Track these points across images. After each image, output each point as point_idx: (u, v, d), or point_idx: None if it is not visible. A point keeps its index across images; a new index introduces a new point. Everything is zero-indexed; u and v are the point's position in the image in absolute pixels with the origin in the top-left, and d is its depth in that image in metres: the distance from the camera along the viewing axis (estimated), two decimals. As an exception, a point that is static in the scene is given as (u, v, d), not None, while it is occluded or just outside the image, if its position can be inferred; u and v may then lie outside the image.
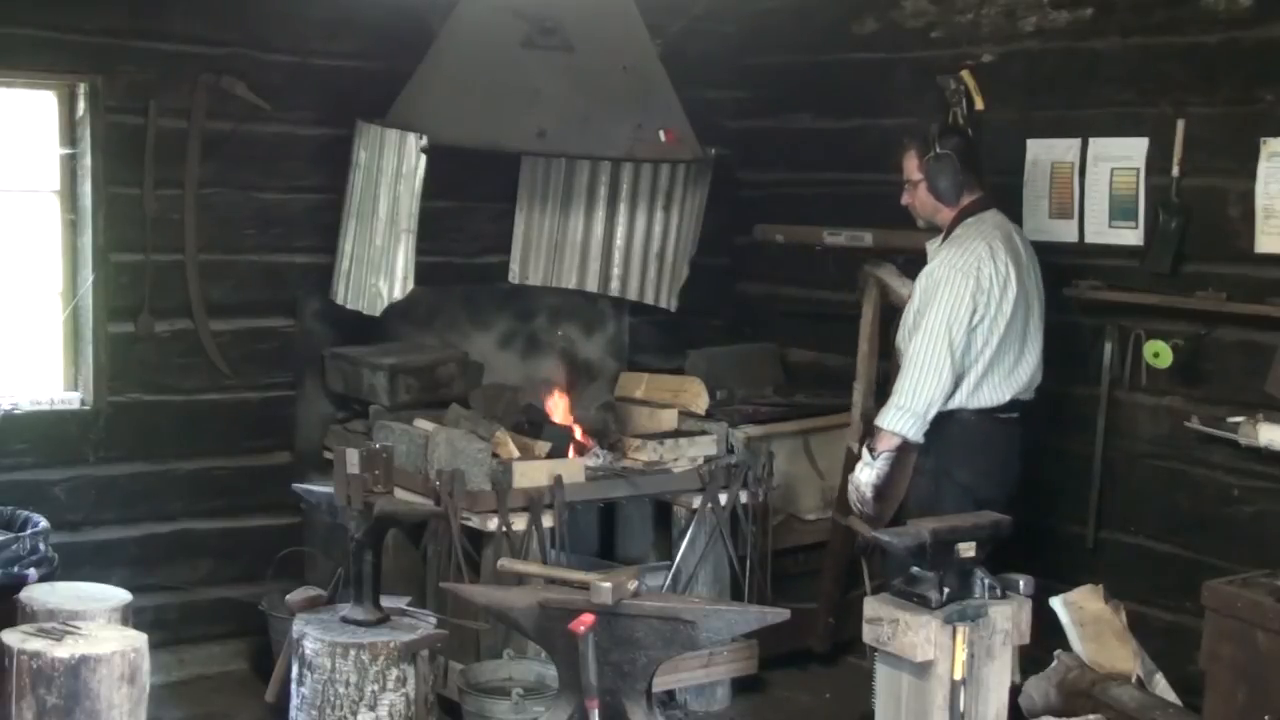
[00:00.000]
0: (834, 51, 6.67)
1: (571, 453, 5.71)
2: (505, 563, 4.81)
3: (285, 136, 6.00)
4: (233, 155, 5.89)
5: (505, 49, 5.67)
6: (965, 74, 6.00)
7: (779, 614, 4.27)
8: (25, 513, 5.23)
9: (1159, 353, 5.37)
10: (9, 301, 5.75)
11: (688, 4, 6.46)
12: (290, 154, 6.03)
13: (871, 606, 4.42)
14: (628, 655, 4.21)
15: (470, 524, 5.35)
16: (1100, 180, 5.61)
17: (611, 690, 4.20)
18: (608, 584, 4.19)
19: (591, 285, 6.56)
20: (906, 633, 4.28)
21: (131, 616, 5.00)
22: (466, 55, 5.69)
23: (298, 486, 5.24)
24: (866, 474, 5.20)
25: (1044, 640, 4.90)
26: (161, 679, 5.38)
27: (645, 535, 6.24)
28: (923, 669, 4.31)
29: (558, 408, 6.13)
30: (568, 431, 5.83)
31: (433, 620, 4.96)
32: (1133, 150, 5.50)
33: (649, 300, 6.65)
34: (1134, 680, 4.89)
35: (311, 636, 4.72)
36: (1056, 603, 5.01)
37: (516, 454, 5.50)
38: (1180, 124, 5.34)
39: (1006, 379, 5.23)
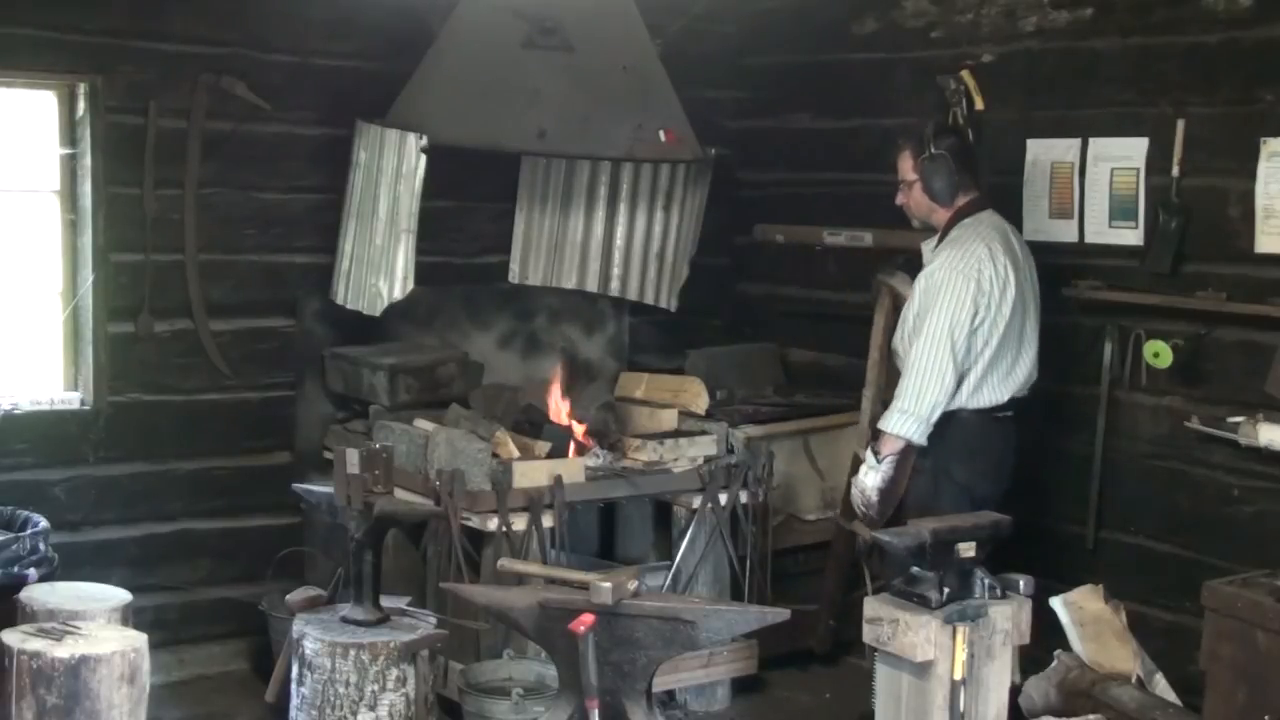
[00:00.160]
0: (834, 51, 6.68)
1: (571, 453, 5.71)
2: (505, 563, 4.81)
3: (285, 136, 6.00)
4: (233, 155, 5.89)
5: (505, 49, 5.67)
6: (965, 74, 6.00)
7: (779, 614, 4.27)
8: (25, 513, 5.23)
9: (1159, 353, 5.37)
10: (9, 301, 5.75)
11: (688, 4, 6.46)
12: (290, 154, 6.03)
13: (871, 606, 4.42)
14: (628, 655, 4.21)
15: (470, 524, 5.35)
16: (1100, 180, 5.62)
17: (611, 690, 4.20)
18: (608, 584, 4.19)
19: (591, 285, 6.56)
20: (906, 633, 4.28)
21: (131, 616, 5.00)
22: (466, 55, 5.69)
23: (298, 486, 5.24)
24: (872, 478, 5.20)
25: (1044, 640, 4.90)
26: (161, 679, 5.38)
27: (645, 535, 6.24)
28: (923, 669, 4.31)
29: (558, 407, 6.13)
30: (568, 431, 5.83)
31: (433, 620, 4.96)
32: (1133, 150, 5.50)
33: (649, 300, 6.65)
34: (1134, 680, 4.89)
35: (311, 636, 4.72)
36: (1056, 603, 5.01)
37: (516, 454, 5.50)
38: (1180, 124, 5.34)
39: (1005, 379, 5.23)
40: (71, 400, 5.74)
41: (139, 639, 4.57)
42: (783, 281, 6.94)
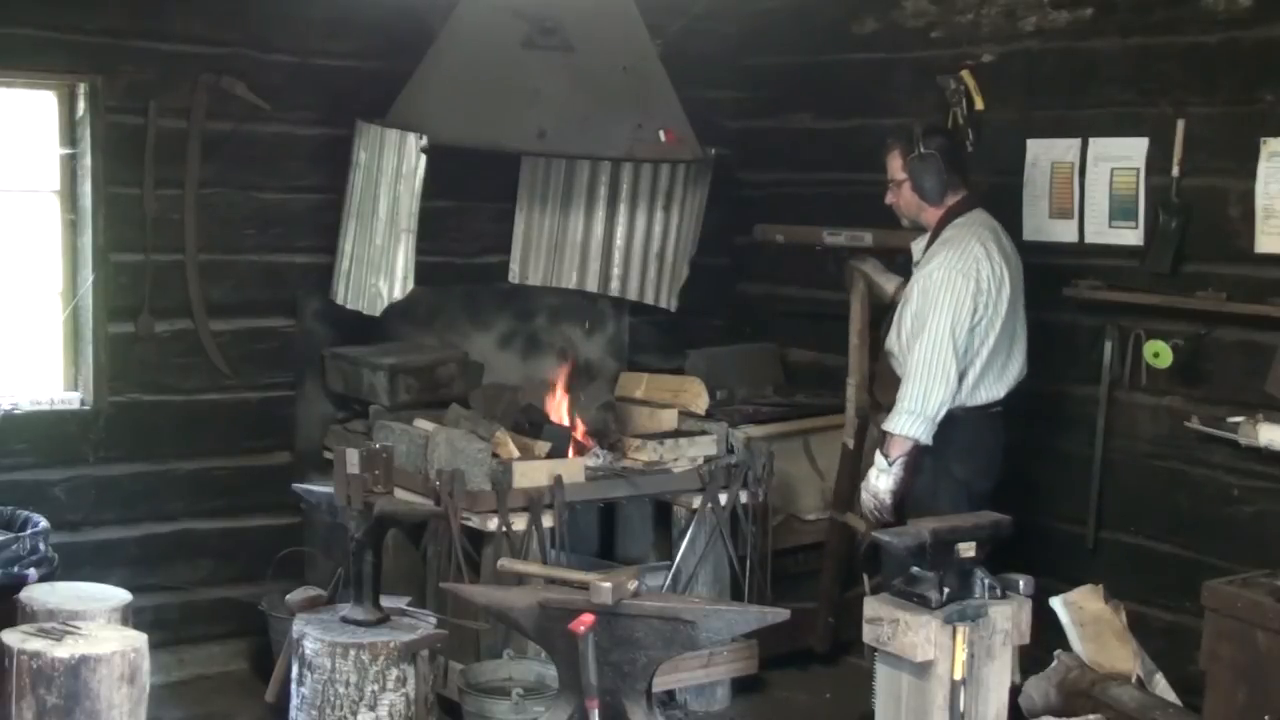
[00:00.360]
0: (834, 51, 6.68)
1: (571, 453, 5.71)
2: (505, 563, 4.81)
3: (285, 136, 6.00)
4: (233, 155, 5.89)
5: (505, 49, 5.67)
6: (965, 74, 6.00)
7: (779, 614, 4.27)
8: (25, 513, 5.23)
9: (1159, 353, 5.37)
10: (9, 301, 5.75)
11: (688, 4, 6.46)
12: (290, 154, 6.03)
13: (871, 606, 4.42)
14: (628, 655, 4.21)
15: (470, 524, 5.35)
16: (1100, 180, 5.62)
17: (611, 690, 4.20)
18: (608, 584, 4.19)
19: (591, 285, 6.57)
20: (906, 633, 4.28)
21: (131, 616, 5.00)
22: (466, 55, 5.69)
23: (298, 486, 5.24)
24: (884, 481, 5.19)
25: (1044, 640, 4.90)
26: (161, 679, 5.38)
27: (645, 535, 6.24)
28: (923, 669, 4.31)
29: (558, 406, 6.14)
30: (568, 431, 5.83)
31: (433, 620, 4.96)
32: (1133, 150, 5.50)
33: (649, 300, 6.65)
34: (1134, 680, 4.90)
35: (311, 636, 4.72)
36: (1056, 603, 5.01)
37: (516, 454, 5.50)
38: (1180, 124, 5.34)
39: (1000, 376, 5.27)
40: (71, 400, 5.74)
41: (139, 639, 4.57)
42: (783, 281, 6.94)
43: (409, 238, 5.57)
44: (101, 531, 5.74)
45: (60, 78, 5.62)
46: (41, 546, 5.04)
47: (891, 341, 5.35)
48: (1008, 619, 4.40)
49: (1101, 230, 5.63)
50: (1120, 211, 5.56)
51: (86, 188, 5.67)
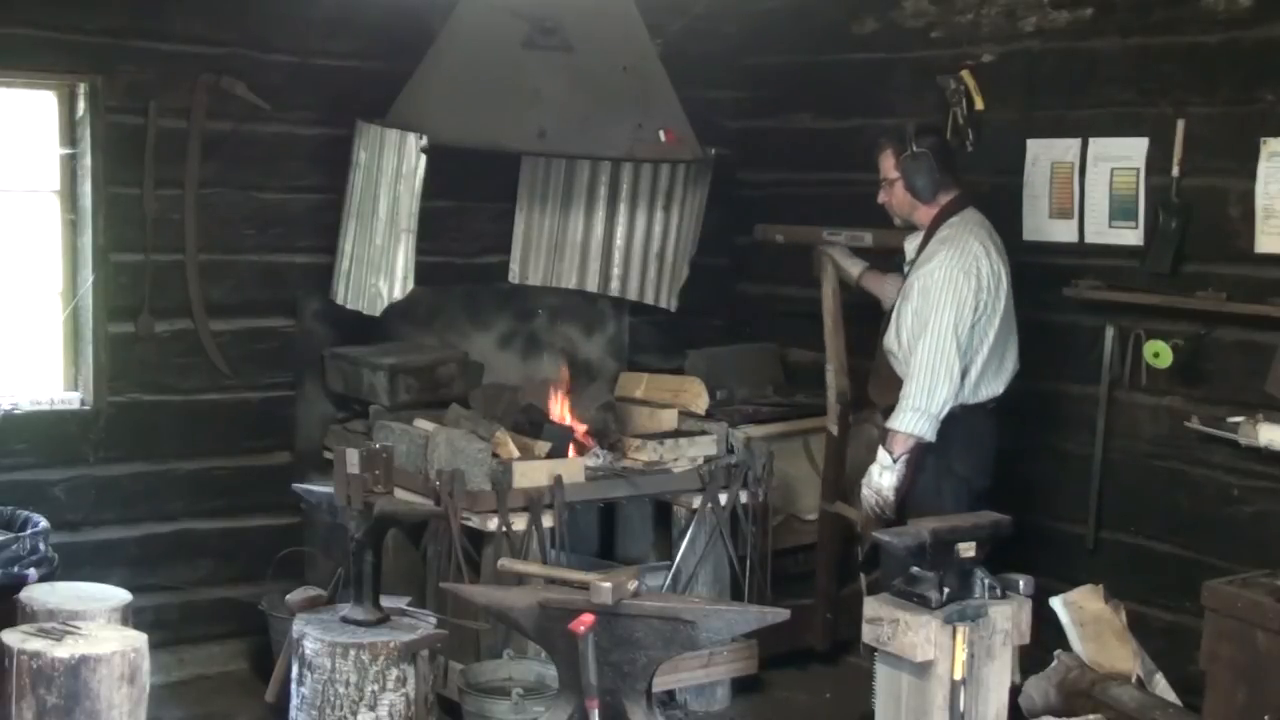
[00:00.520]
0: (834, 51, 6.68)
1: (571, 453, 5.71)
2: (505, 563, 4.81)
3: (285, 136, 6.00)
4: (233, 155, 5.89)
5: (505, 49, 5.67)
6: (965, 74, 6.00)
7: (779, 614, 4.27)
8: (25, 513, 5.23)
9: (1159, 353, 5.37)
10: (9, 301, 5.75)
11: (688, 4, 6.46)
12: (290, 154, 6.03)
13: (871, 606, 4.42)
14: (628, 655, 4.21)
15: (470, 524, 5.35)
16: (1100, 180, 5.62)
17: (611, 690, 4.20)
18: (608, 584, 4.19)
19: (591, 285, 6.56)
20: (906, 633, 4.28)
21: (131, 616, 5.00)
22: (466, 55, 5.69)
23: (298, 486, 5.24)
24: (888, 478, 5.20)
25: (1044, 640, 4.90)
26: (161, 679, 5.38)
27: (645, 535, 6.24)
28: (923, 669, 4.31)
29: (558, 407, 6.14)
30: (568, 431, 5.83)
31: (433, 620, 4.96)
32: (1133, 150, 5.51)
33: (649, 300, 6.65)
34: (1134, 680, 4.90)
35: (311, 636, 4.72)
36: (1056, 603, 5.01)
37: (516, 454, 5.50)
38: (1180, 124, 5.34)
39: (999, 372, 5.30)
40: (71, 400, 5.74)
41: (139, 639, 4.57)
42: (783, 281, 6.94)
43: (409, 238, 5.57)
44: (101, 531, 5.74)
45: (60, 78, 5.62)
46: (41, 546, 5.04)
47: (890, 340, 5.35)
48: (1008, 619, 4.40)
49: (1101, 230, 5.63)
50: (1120, 211, 5.56)
51: (86, 188, 5.67)
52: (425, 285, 5.84)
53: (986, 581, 4.42)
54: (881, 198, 5.45)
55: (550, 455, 5.59)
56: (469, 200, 6.37)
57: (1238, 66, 5.20)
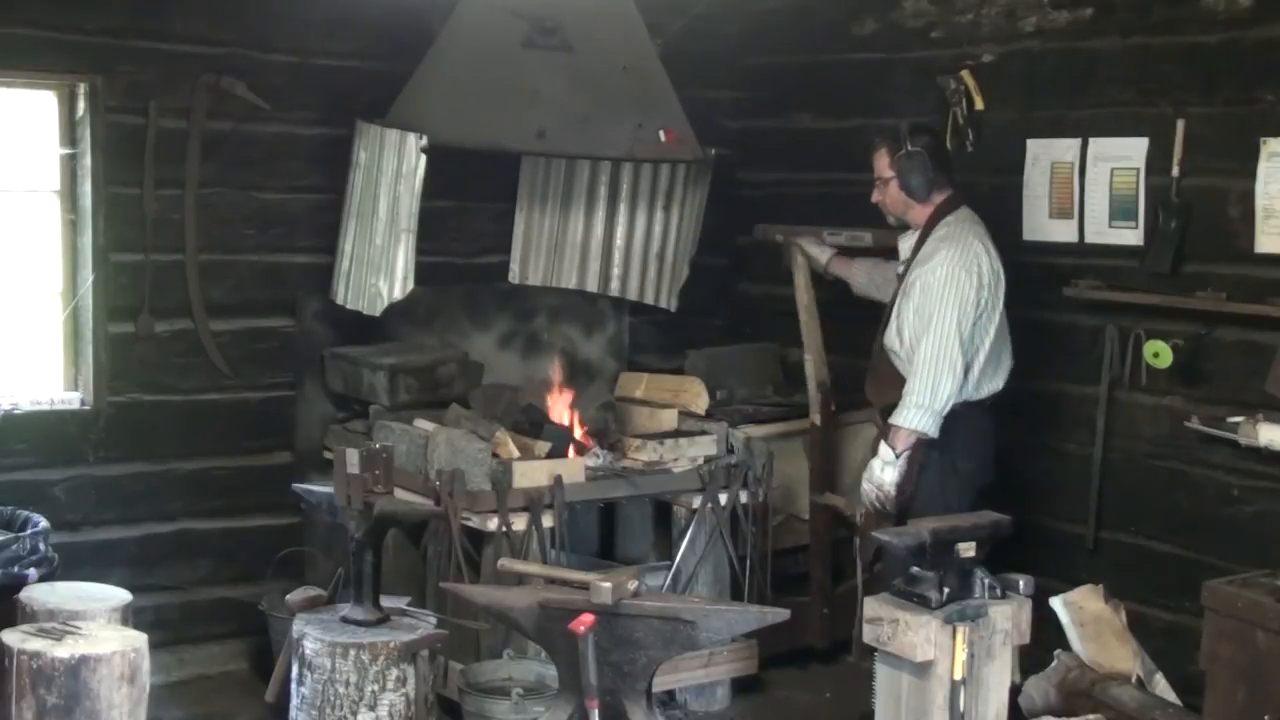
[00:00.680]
0: (834, 51, 6.68)
1: (571, 453, 5.71)
2: (505, 563, 4.81)
3: (285, 136, 6.00)
4: (233, 155, 5.89)
5: (505, 49, 5.67)
6: (965, 74, 6.00)
7: (779, 614, 4.27)
8: (25, 513, 5.23)
9: (1159, 353, 5.37)
10: (9, 301, 5.75)
11: (688, 4, 6.46)
12: (290, 154, 6.03)
13: (871, 606, 4.42)
14: (628, 655, 4.21)
15: (470, 524, 5.35)
16: (1100, 180, 5.62)
17: (611, 690, 4.19)
18: (608, 584, 4.19)
19: (591, 285, 6.56)
20: (906, 633, 4.28)
21: (131, 616, 5.00)
22: (466, 55, 5.68)
23: (298, 486, 5.24)
24: (890, 473, 5.22)
25: (1044, 640, 4.90)
26: (161, 679, 5.38)
27: (645, 535, 6.24)
28: (923, 669, 4.31)
29: (557, 407, 6.14)
30: (568, 431, 5.83)
31: (433, 620, 4.96)
32: (1133, 150, 5.51)
33: (649, 300, 6.65)
34: (1134, 680, 4.90)
35: (311, 636, 4.72)
36: (1056, 603, 5.02)
37: (516, 454, 5.50)
38: (1180, 124, 5.34)
39: (998, 369, 5.33)
40: (71, 400, 5.74)
41: (139, 639, 4.57)
42: (783, 281, 6.91)
43: (409, 238, 5.57)
44: (101, 531, 5.74)
45: (60, 78, 5.62)
46: (41, 546, 5.04)
47: (892, 339, 5.35)
48: (1008, 619, 4.40)
49: (1101, 230, 5.63)
50: (1120, 211, 5.56)
51: (86, 188, 5.67)
52: (425, 285, 5.84)
53: (986, 581, 4.42)
54: (875, 196, 5.48)
55: (550, 455, 5.59)
56: (469, 200, 6.37)
57: (1238, 66, 5.20)
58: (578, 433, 5.89)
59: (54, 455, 5.65)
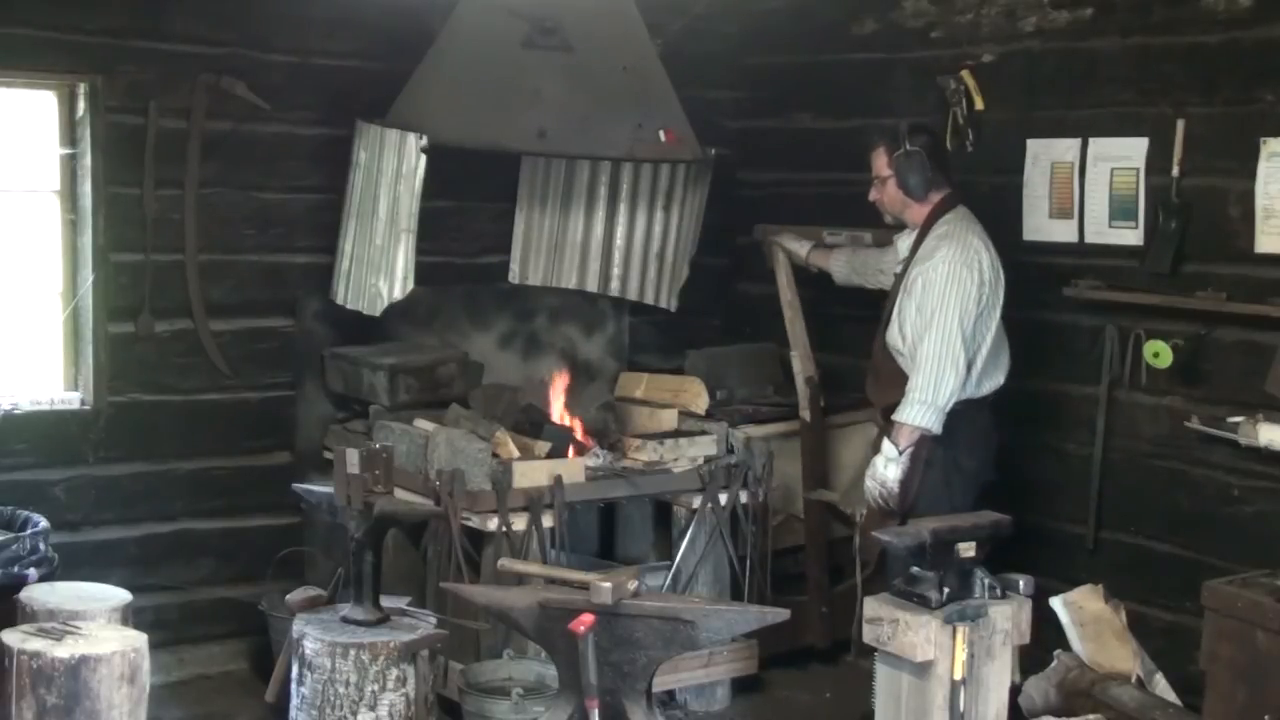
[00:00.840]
0: (834, 51, 6.68)
1: (571, 453, 5.71)
2: (505, 563, 4.81)
3: (285, 136, 6.00)
4: (233, 155, 5.89)
5: (505, 49, 5.67)
6: (965, 74, 6.00)
7: (779, 614, 4.27)
8: (25, 513, 5.23)
9: (1159, 353, 5.37)
10: (9, 301, 5.75)
11: (688, 4, 6.46)
12: (290, 154, 6.03)
13: (871, 606, 4.42)
14: (628, 655, 4.21)
15: (470, 524, 5.35)
16: (1100, 180, 5.62)
17: (611, 690, 4.20)
18: (608, 584, 4.19)
19: (591, 285, 6.56)
20: (906, 633, 4.28)
21: (131, 616, 5.00)
22: (466, 55, 5.68)
23: (298, 486, 5.24)
24: (893, 470, 5.22)
25: (1044, 640, 4.90)
26: (161, 679, 5.38)
27: (645, 535, 6.24)
28: (923, 669, 4.31)
29: (557, 408, 6.14)
30: (568, 431, 5.83)
31: (433, 620, 4.96)
32: (1133, 150, 5.51)
33: (649, 300, 6.65)
34: (1134, 680, 4.90)
35: (311, 636, 4.72)
36: (1056, 603, 5.02)
37: (516, 454, 5.50)
38: (1180, 124, 5.34)
39: (998, 365, 5.35)
40: (71, 400, 5.74)
41: (139, 639, 4.57)
42: (782, 281, 6.94)
43: (409, 238, 5.57)
44: (101, 531, 5.74)
45: (60, 78, 5.62)
46: (41, 546, 5.04)
47: (894, 336, 5.36)
48: (1008, 619, 4.40)
49: (1101, 230, 5.63)
50: (1120, 211, 5.56)
51: (86, 188, 5.67)
52: (425, 285, 5.84)
53: (986, 581, 4.42)
54: (873, 195, 5.50)
55: (550, 455, 5.59)
56: (469, 200, 6.37)
57: (1238, 66, 5.20)
58: (578, 432, 5.89)
59: (54, 455, 5.65)
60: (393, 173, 5.57)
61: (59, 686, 4.36)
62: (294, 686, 4.78)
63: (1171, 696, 4.91)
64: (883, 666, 4.49)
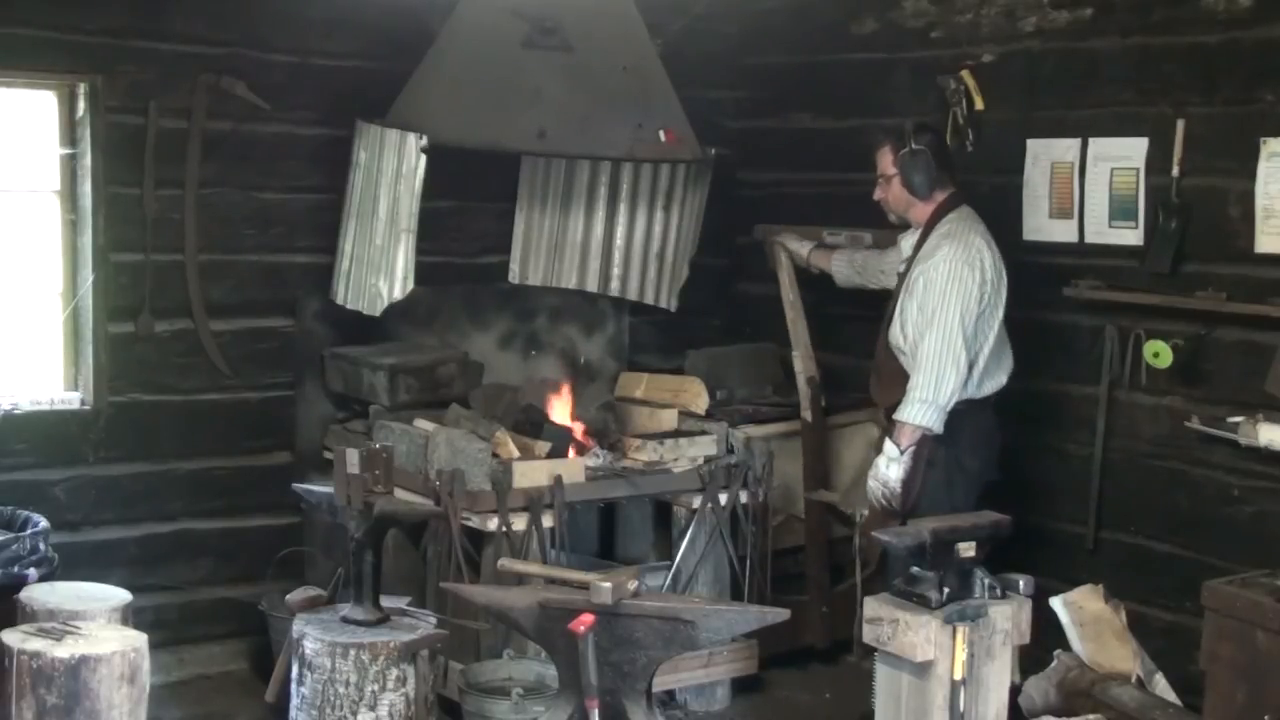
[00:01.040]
0: (834, 51, 6.68)
1: (571, 453, 5.71)
2: (505, 563, 4.81)
3: (285, 136, 6.00)
4: (233, 155, 5.89)
5: (505, 49, 5.67)
6: (965, 74, 6.00)
7: (779, 614, 4.27)
8: (25, 513, 5.23)
9: (1159, 353, 5.37)
10: (9, 301, 5.75)
11: (688, 4, 6.46)
12: (290, 154, 6.03)
13: (871, 606, 4.42)
14: (628, 655, 4.21)
15: (470, 524, 5.35)
16: (1100, 180, 5.62)
17: (611, 690, 4.20)
18: (608, 584, 4.19)
19: (591, 285, 6.56)
20: (906, 633, 4.28)
21: (131, 616, 5.00)
22: (466, 55, 5.68)
23: (298, 486, 5.24)
24: (895, 470, 5.22)
25: (1044, 640, 4.90)
26: (161, 679, 5.38)
27: (645, 535, 6.24)
28: (923, 669, 4.31)
29: (558, 408, 6.13)
30: (568, 431, 5.82)
31: (433, 620, 4.96)
32: (1133, 150, 5.51)
33: (649, 300, 6.65)
34: (1134, 680, 4.90)
35: (311, 636, 4.72)
36: (1056, 603, 5.01)
37: (516, 454, 5.50)
38: (1180, 124, 5.34)
39: (1000, 365, 5.35)
40: (71, 400, 5.74)
41: (139, 639, 4.57)
42: (782, 281, 6.94)
43: (409, 238, 5.57)
44: (101, 531, 5.74)
45: (60, 78, 5.62)
46: (41, 546, 5.04)
47: (896, 335, 5.36)
48: (1008, 619, 4.40)
49: (1101, 230, 5.63)
50: (1120, 211, 5.56)
51: (86, 188, 5.67)
52: (425, 285, 5.84)
53: (986, 581, 4.42)
54: (878, 194, 5.50)
55: (550, 455, 5.59)
56: (469, 200, 6.37)
57: (1238, 66, 5.20)
58: (577, 432, 5.89)
59: (54, 455, 5.65)
60: (393, 173, 5.57)
61: (59, 686, 4.36)
62: (294, 686, 4.78)
63: (1171, 696, 4.91)
64: (883, 666, 4.49)
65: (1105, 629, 5.01)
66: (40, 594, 4.91)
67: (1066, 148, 5.71)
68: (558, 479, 5.44)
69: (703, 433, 5.96)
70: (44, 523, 5.15)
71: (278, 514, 6.03)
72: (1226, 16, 5.23)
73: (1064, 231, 5.74)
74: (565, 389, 6.14)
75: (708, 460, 5.84)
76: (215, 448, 5.97)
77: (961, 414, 5.21)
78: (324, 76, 6.02)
